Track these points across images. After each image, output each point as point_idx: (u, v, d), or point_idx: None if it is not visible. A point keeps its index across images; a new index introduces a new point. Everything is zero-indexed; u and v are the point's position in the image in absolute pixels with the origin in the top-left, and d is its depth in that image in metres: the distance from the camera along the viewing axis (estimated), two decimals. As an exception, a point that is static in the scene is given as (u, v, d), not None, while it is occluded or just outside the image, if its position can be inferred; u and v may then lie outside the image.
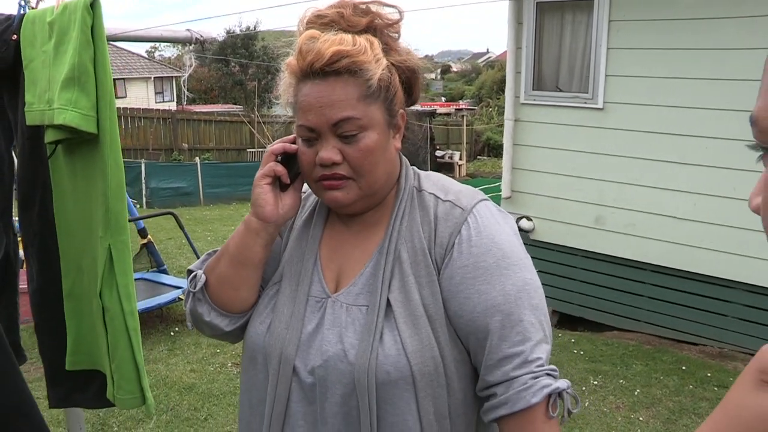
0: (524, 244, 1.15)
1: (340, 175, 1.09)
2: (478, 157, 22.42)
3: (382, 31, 1.13)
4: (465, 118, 21.25)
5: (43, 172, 1.60)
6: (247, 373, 1.21)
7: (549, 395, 1.04)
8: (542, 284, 1.13)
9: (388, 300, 1.10)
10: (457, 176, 18.75)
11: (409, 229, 1.14)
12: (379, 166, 1.11)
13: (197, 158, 14.72)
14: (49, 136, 1.50)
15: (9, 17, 1.55)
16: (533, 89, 5.88)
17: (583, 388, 4.47)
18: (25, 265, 1.76)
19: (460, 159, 19.20)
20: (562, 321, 5.94)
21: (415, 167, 1.23)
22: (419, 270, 1.11)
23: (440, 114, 20.77)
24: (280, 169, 1.15)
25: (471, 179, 18.61)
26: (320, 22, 1.09)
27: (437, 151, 19.12)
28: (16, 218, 1.74)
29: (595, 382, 4.57)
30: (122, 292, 1.58)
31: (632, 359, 4.96)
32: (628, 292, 5.54)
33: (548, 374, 1.06)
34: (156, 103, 28.31)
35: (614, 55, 5.33)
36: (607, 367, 4.83)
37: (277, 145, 1.16)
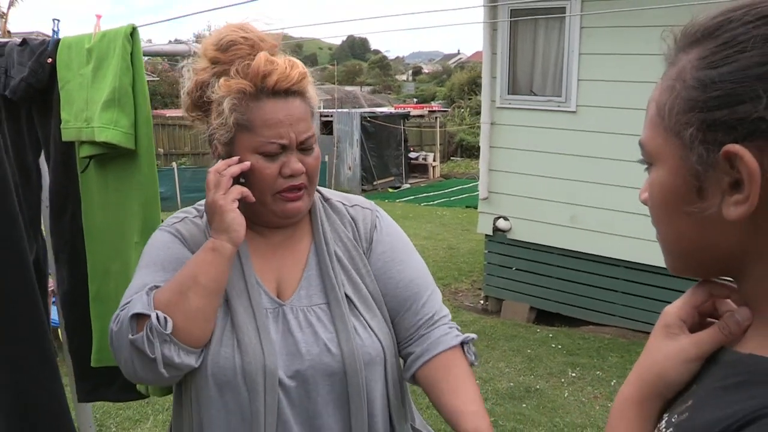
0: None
1: (303, 185, 1.21)
2: (452, 158, 22.65)
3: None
4: (438, 119, 21.45)
5: (74, 184, 1.72)
6: (218, 402, 1.17)
7: (462, 343, 1.27)
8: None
9: (346, 294, 1.23)
10: (432, 177, 18.92)
11: (334, 231, 1.29)
12: (318, 175, 1.26)
13: (174, 163, 14.65)
14: (84, 152, 1.63)
15: (44, 41, 1.67)
16: (508, 93, 6.07)
17: (562, 380, 4.66)
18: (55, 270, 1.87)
19: (434, 160, 19.39)
20: (540, 317, 6.12)
21: None
22: (356, 264, 1.27)
23: (414, 116, 20.91)
24: (247, 191, 1.18)
25: (445, 180, 18.80)
26: (246, 44, 1.17)
27: (411, 153, 19.27)
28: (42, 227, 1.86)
29: (574, 374, 4.77)
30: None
31: (608, 352, 5.17)
32: (603, 288, 5.75)
33: (456, 328, 1.29)
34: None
35: (586, 60, 5.53)
36: (585, 359, 5.03)
37: (234, 168, 1.15)
